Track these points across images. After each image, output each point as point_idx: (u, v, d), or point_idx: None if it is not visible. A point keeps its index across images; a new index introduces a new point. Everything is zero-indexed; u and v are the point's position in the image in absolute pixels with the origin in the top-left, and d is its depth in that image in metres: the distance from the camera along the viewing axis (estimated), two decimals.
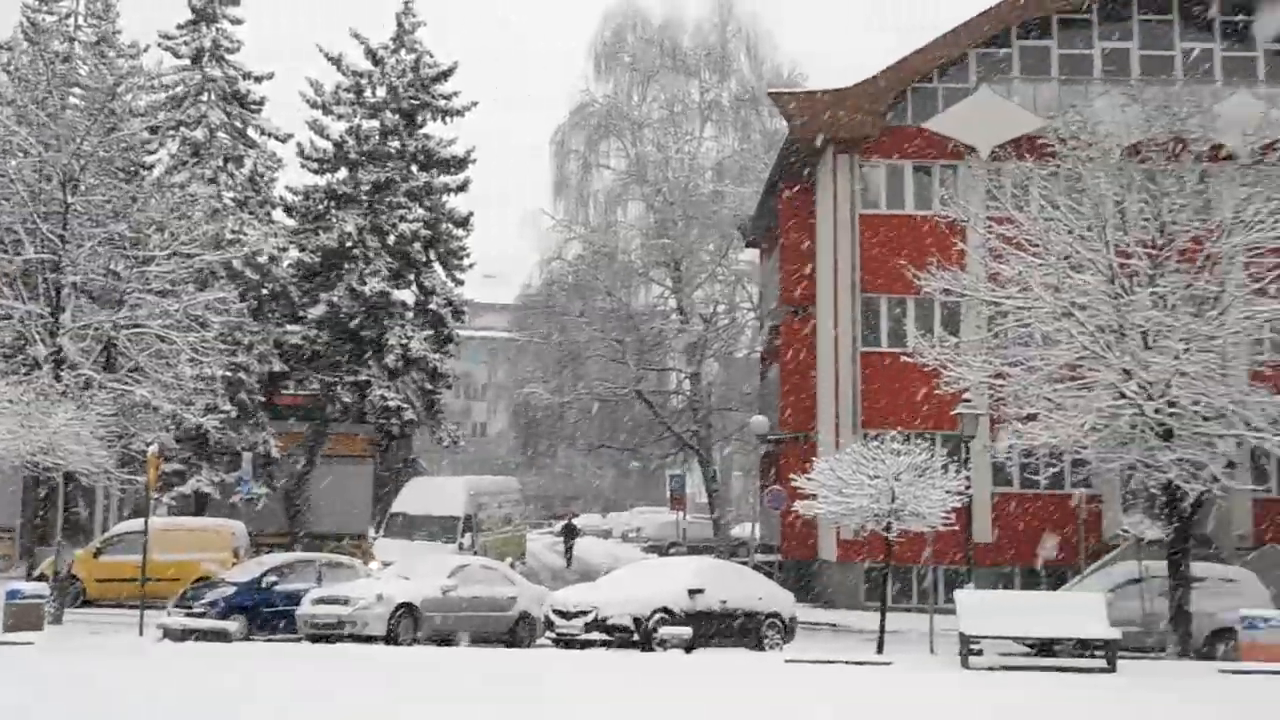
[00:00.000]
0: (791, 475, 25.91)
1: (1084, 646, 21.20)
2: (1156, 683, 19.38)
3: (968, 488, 25.08)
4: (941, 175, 35.46)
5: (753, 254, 47.56)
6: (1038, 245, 24.99)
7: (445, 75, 42.86)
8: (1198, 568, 24.15)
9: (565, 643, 23.47)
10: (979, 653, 21.31)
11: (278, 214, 42.65)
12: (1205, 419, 23.43)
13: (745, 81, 47.54)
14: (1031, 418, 24.57)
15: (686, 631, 22.60)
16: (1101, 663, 20.37)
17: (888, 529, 22.81)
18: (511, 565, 31.76)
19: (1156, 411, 23.00)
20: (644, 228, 46.52)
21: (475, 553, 32.76)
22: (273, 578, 25.08)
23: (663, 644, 22.52)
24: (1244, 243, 24.42)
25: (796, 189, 37.72)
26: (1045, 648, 22.09)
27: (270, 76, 42.21)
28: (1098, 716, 16.06)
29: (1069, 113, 28.02)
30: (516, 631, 25.10)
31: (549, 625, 23.99)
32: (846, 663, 20.94)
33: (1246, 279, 24.87)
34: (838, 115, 35.38)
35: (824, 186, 36.15)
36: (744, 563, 32.01)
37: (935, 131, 35.22)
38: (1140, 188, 24.53)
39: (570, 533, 45.84)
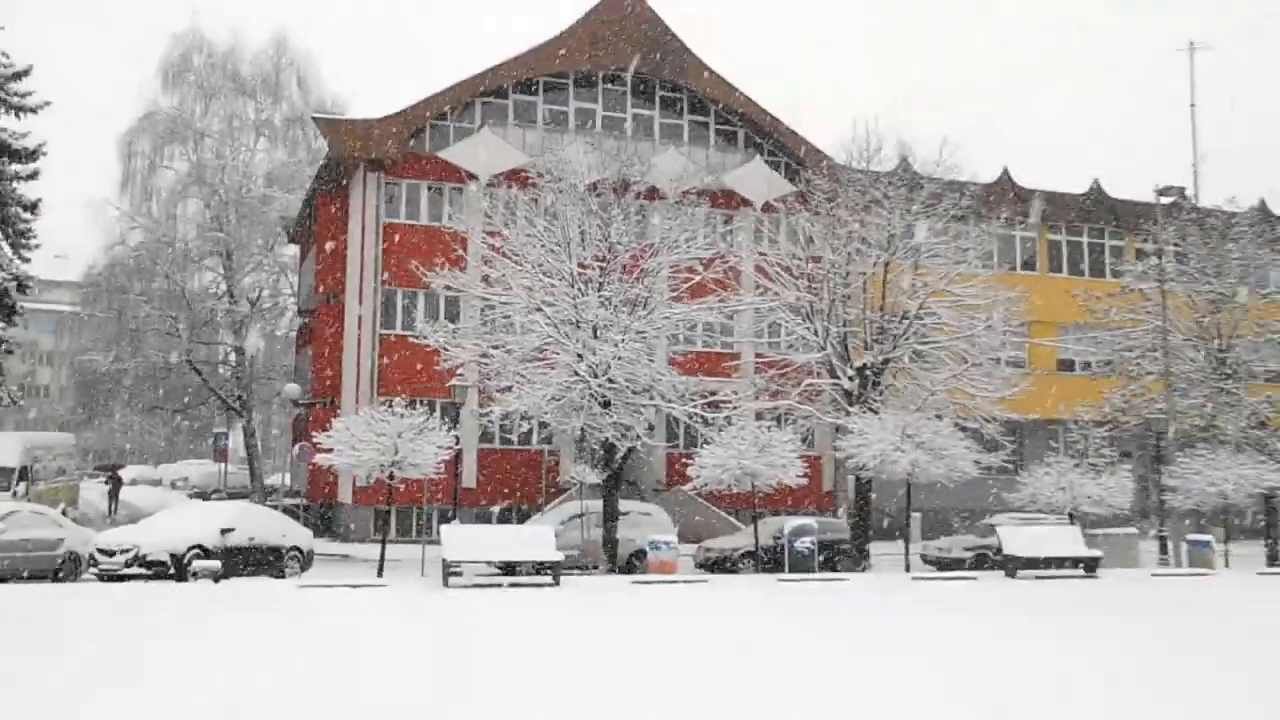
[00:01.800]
0: (316, 433, 25.23)
1: (539, 567, 22.01)
2: (587, 591, 20.51)
3: (457, 443, 25.45)
4: (450, 195, 35.77)
5: (295, 249, 46.17)
6: (519, 255, 25.77)
7: (20, 75, 38.34)
8: (624, 504, 25.70)
9: (108, 577, 21.70)
10: (459, 574, 21.68)
11: None
12: (634, 393, 25.04)
13: (295, 105, 45.75)
14: (508, 389, 25.33)
15: (216, 564, 21.48)
16: (549, 579, 21.20)
17: (391, 476, 22.76)
18: (63, 511, 28.92)
19: (600, 386, 24.31)
20: (201, 222, 43.91)
21: (28, 500, 29.57)
22: None
23: (195, 575, 21.30)
24: (668, 261, 26.31)
25: (333, 198, 36.84)
26: (510, 569, 22.77)
27: None
28: (539, 615, 16.74)
29: (548, 154, 29.03)
30: (63, 569, 22.90)
31: (93, 562, 22.10)
32: (349, 585, 20.64)
33: (668, 288, 26.82)
34: (369, 140, 34.86)
35: (355, 198, 35.48)
36: (274, 506, 30.81)
37: (447, 160, 35.48)
38: (596, 215, 25.82)
39: (116, 482, 42.31)
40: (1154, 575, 25.86)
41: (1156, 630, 16.23)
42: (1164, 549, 29.22)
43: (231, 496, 38.57)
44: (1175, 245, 32.87)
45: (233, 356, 43.43)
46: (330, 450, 23.17)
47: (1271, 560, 29.52)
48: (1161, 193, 31.24)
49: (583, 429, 25.40)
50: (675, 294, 26.90)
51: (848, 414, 26.94)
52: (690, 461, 25.48)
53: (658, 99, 38.41)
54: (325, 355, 36.04)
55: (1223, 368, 31.45)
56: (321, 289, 36.87)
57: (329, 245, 36.37)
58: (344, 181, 36.07)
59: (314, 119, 39.63)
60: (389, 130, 35.06)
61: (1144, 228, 36.38)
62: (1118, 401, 33.13)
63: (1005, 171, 41.07)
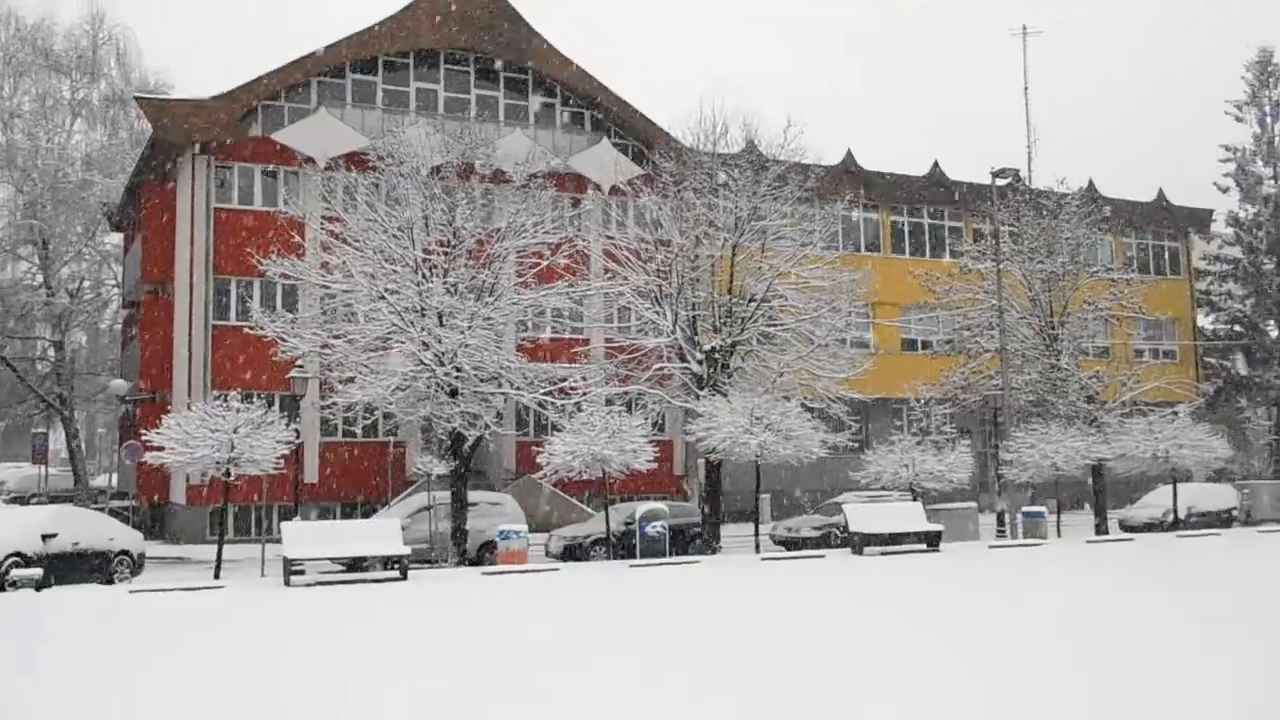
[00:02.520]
0: (145, 431, 24.36)
1: (386, 562, 21.78)
2: (434, 584, 20.38)
3: (298, 437, 24.92)
4: (285, 179, 34.91)
5: (119, 237, 44.27)
6: (360, 241, 25.31)
7: None
8: (473, 495, 25.56)
9: None
10: (301, 572, 21.30)
11: None
12: (482, 381, 24.93)
13: (115, 84, 43.99)
14: (350, 380, 24.92)
15: (37, 572, 20.53)
16: (397, 573, 21.00)
17: (227, 474, 22.15)
18: None
19: (446, 375, 24.14)
20: (13, 208, 41.77)
21: None
22: None
23: (14, 585, 20.33)
24: (515, 246, 26.21)
25: (159, 183, 35.56)
26: (356, 565, 22.47)
27: None
28: (381, 611, 16.58)
29: (389, 136, 28.54)
30: None
31: None
32: (184, 589, 20.03)
33: (515, 274, 26.77)
34: (197, 122, 33.73)
35: (184, 182, 34.30)
36: (100, 508, 29.60)
37: (281, 142, 34.59)
38: (440, 199, 25.52)
39: None
40: (991, 547, 27.14)
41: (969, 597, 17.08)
42: (1001, 521, 30.66)
43: (54, 500, 36.86)
44: (1010, 226, 34.41)
45: (51, 352, 41.55)
46: (161, 448, 22.34)
47: (1100, 529, 31.26)
48: (997, 174, 32.62)
49: (429, 419, 25.19)
50: (523, 279, 26.87)
51: (697, 397, 27.41)
52: (540, 449, 25.52)
53: (502, 80, 38.23)
54: (154, 349, 34.80)
55: (1055, 344, 33.10)
56: (148, 279, 35.55)
57: (159, 232, 35.10)
58: (171, 165, 34.84)
59: (136, 99, 38.21)
60: (219, 111, 34.00)
61: (981, 209, 37.96)
62: (957, 379, 34.59)
63: (849, 154, 42.29)
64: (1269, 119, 50.61)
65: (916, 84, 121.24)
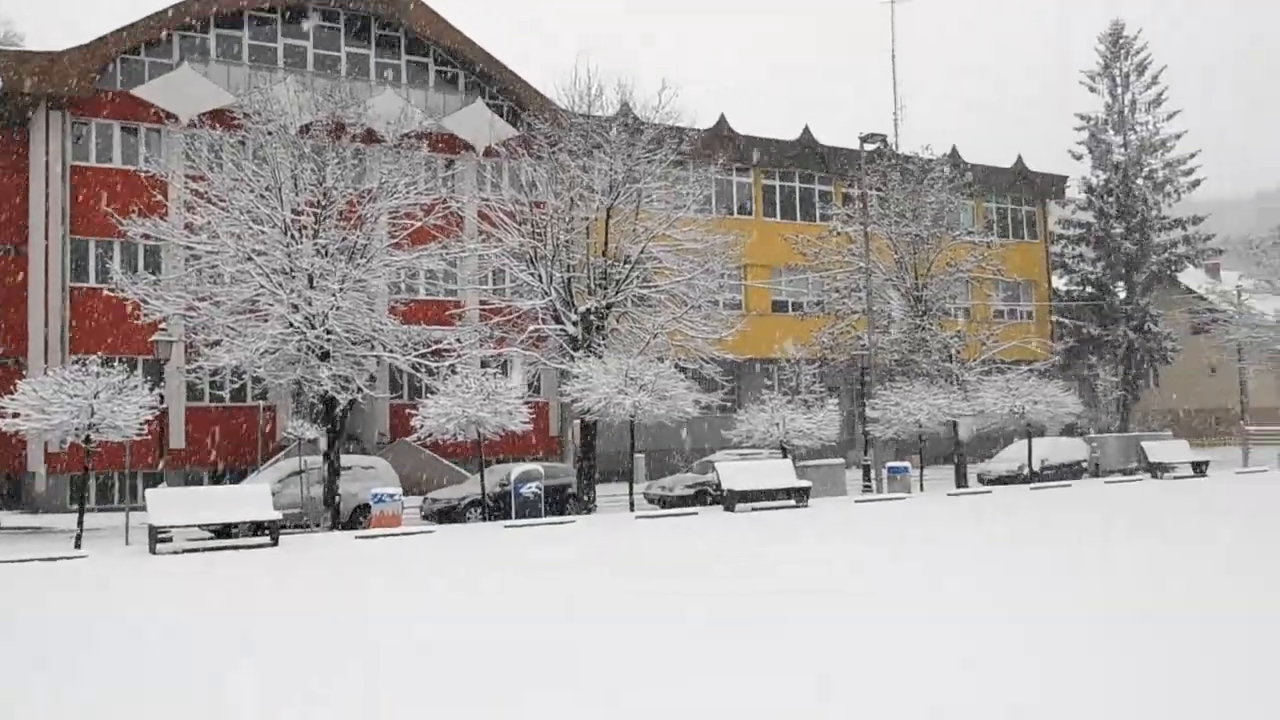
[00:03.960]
0: None
1: (256, 527, 21.35)
2: (306, 549, 20.06)
3: (162, 402, 24.19)
4: (147, 136, 33.60)
5: None
6: (225, 201, 24.54)
7: None
8: (346, 459, 25.20)
9: None
10: (168, 540, 20.75)
11: None
12: (354, 344, 24.51)
13: None
14: (217, 343, 24.23)
15: None
16: (267, 539, 20.61)
17: (87, 440, 21.35)
18: None
19: (317, 338, 23.65)
20: None
21: None
22: None
23: None
24: (387, 207, 25.73)
25: (10, 138, 33.79)
26: (225, 531, 21.99)
27: None
28: (248, 577, 16.26)
29: (255, 93, 27.62)
30: None
31: None
32: (43, 560, 19.30)
33: (388, 235, 26.30)
34: (51, 75, 32.12)
35: (37, 139, 32.74)
36: None
37: (142, 97, 33.24)
38: (309, 159, 24.89)
39: None
40: (857, 501, 27.90)
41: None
42: (867, 476, 31.51)
43: None
44: (878, 190, 35.15)
45: None
46: (16, 415, 21.44)
47: (959, 482, 32.38)
48: (865, 140, 33.20)
49: (300, 382, 24.68)
50: (395, 241, 26.40)
51: (572, 359, 27.42)
52: (415, 412, 25.24)
53: (374, 38, 37.37)
54: (8, 312, 33.24)
55: (919, 305, 34.02)
56: (1, 239, 33.89)
57: (11, 191, 33.46)
58: (22, 120, 33.20)
59: None
60: (74, 64, 32.48)
61: (849, 173, 38.64)
62: (826, 340, 35.37)
63: (722, 118, 42.56)
64: (1120, 89, 52.69)
65: (789, 51, 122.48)
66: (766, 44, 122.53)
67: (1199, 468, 33.92)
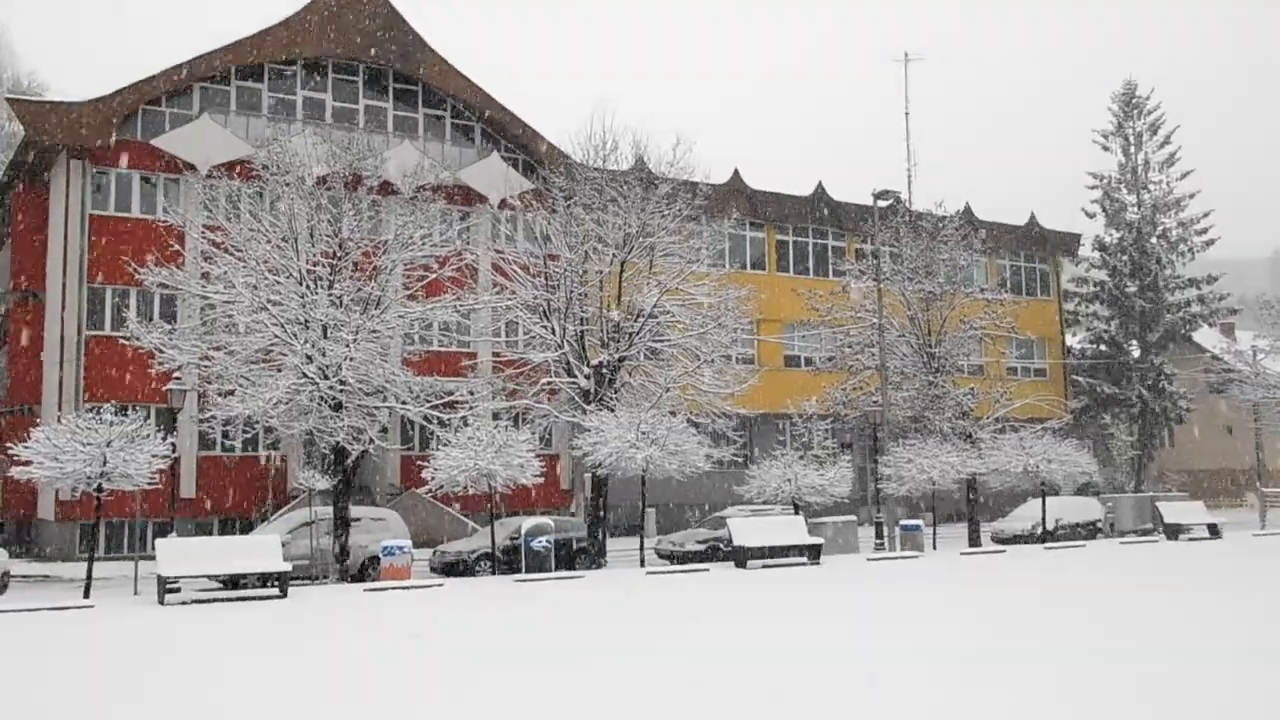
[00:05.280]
0: (12, 444, 23.36)
1: (265, 579, 21.27)
2: (315, 601, 19.94)
3: (174, 451, 24.21)
4: (165, 186, 33.98)
5: None
6: (242, 251, 24.74)
7: None
8: (356, 510, 25.16)
9: None
10: (176, 590, 20.69)
11: None
12: (367, 394, 24.56)
13: None
14: (230, 393, 24.30)
15: None
16: (276, 590, 20.51)
17: (98, 489, 21.35)
18: None
19: (330, 389, 23.70)
20: None
21: None
22: None
23: None
24: (402, 258, 25.91)
25: (31, 187, 34.24)
26: (234, 583, 21.90)
27: None
28: (257, 629, 16.18)
29: (274, 145, 27.94)
30: None
31: None
32: (50, 609, 19.24)
33: (402, 287, 26.45)
34: (73, 125, 32.59)
35: (57, 187, 33.14)
36: None
37: (162, 148, 33.65)
38: (326, 210, 25.11)
39: None
40: (869, 559, 27.67)
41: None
42: (880, 534, 31.29)
43: None
44: (890, 246, 35.25)
45: None
46: (29, 462, 21.47)
47: (972, 541, 32.13)
48: (878, 196, 33.36)
49: (312, 433, 24.70)
50: (410, 292, 26.57)
51: (584, 412, 27.40)
52: (426, 464, 25.21)
53: (391, 91, 37.84)
54: (23, 359, 33.43)
55: (932, 362, 33.97)
56: (18, 287, 34.20)
57: (30, 238, 33.81)
58: (44, 169, 33.62)
59: (8, 99, 36.85)
60: (97, 115, 32.95)
61: (863, 229, 38.79)
62: (839, 395, 35.26)
63: (736, 173, 42.86)
64: (1132, 148, 52.92)
65: (805, 108, 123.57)
66: (783, 102, 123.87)
67: (1213, 530, 33.61)
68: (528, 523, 25.23)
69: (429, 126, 38.37)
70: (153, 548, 22.40)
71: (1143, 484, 49.19)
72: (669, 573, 25.04)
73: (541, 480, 26.20)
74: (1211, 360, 55.72)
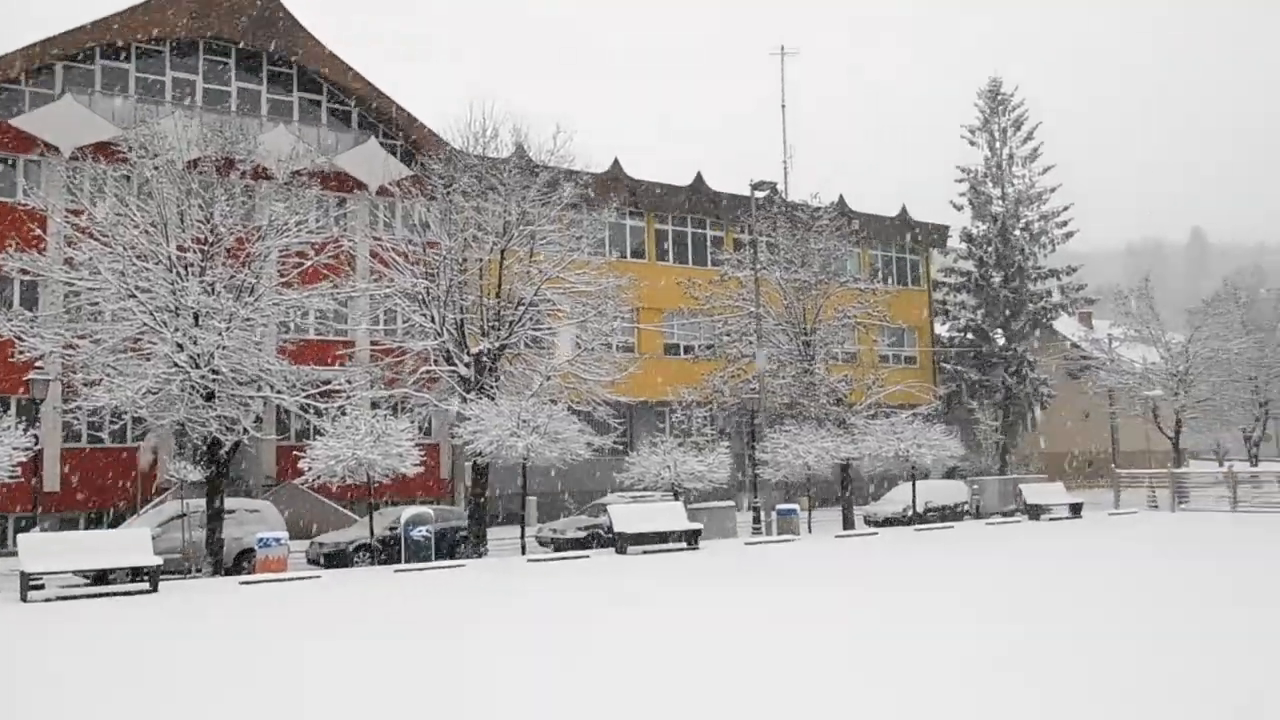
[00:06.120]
0: None
1: (134, 573, 20.65)
2: (186, 595, 19.47)
3: (37, 443, 23.33)
4: (25, 168, 32.57)
5: None
6: (109, 236, 23.90)
7: None
8: (230, 502, 24.59)
9: None
10: (40, 587, 19.99)
11: None
12: (241, 384, 24.01)
13: None
14: (96, 383, 23.50)
15: None
16: (147, 585, 19.96)
17: None
18: None
19: (202, 378, 23.11)
20: None
21: None
22: None
23: None
24: (277, 245, 25.32)
25: None
26: (102, 578, 21.21)
27: None
28: (122, 625, 15.75)
29: (142, 127, 27.02)
30: None
31: None
32: None
33: (277, 274, 25.87)
34: None
35: None
36: None
37: (20, 128, 32.22)
38: (197, 195, 24.39)
39: None
40: (747, 543, 28.18)
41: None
42: (757, 519, 31.87)
43: None
44: (767, 236, 35.82)
45: None
46: None
47: (846, 524, 32.95)
48: (755, 187, 33.86)
49: (184, 424, 24.04)
50: (285, 279, 25.99)
51: (465, 401, 27.26)
52: (302, 454, 24.79)
53: (266, 74, 36.89)
54: None
55: (807, 350, 34.67)
56: None
57: None
58: None
59: None
60: None
61: (741, 219, 39.34)
62: (717, 383, 35.75)
63: (616, 162, 42.99)
64: (998, 143, 54.63)
65: (682, 98, 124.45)
66: (662, 90, 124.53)
67: (1075, 509, 35.09)
68: (407, 512, 25.01)
69: (305, 111, 37.55)
70: (15, 544, 21.59)
71: (1007, 467, 51.01)
72: (550, 560, 25.12)
73: (422, 469, 25.99)
74: (1071, 348, 58.17)
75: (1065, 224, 54.42)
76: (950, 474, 41.44)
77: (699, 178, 45.83)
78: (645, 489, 29.53)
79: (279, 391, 24.68)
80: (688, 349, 43.40)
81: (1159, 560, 22.36)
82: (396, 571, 22.74)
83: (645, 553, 25.58)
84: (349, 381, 27.08)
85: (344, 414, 25.45)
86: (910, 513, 34.12)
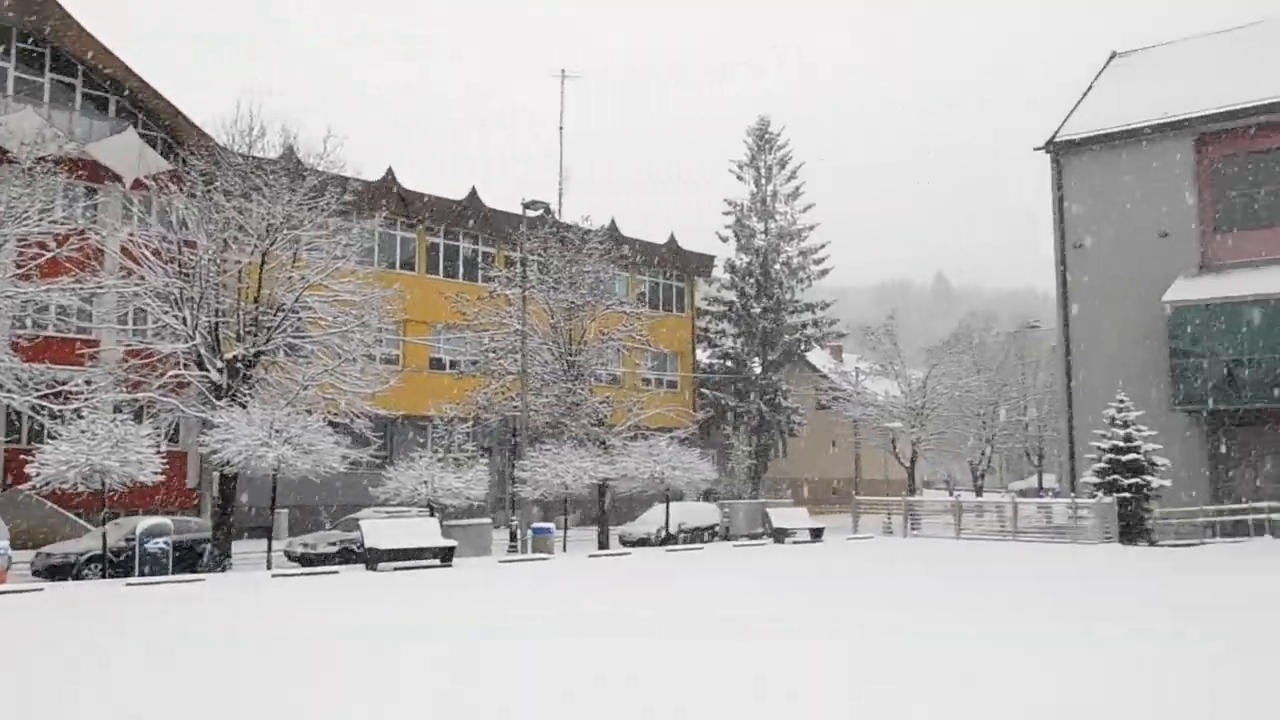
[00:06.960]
0: None
1: None
2: None
3: None
4: None
5: None
6: None
7: None
8: None
9: None
10: None
11: None
12: None
13: None
14: None
15: None
16: None
17: None
18: None
19: None
20: None
21: None
22: None
23: None
24: (15, 233, 23.74)
25: None
26: None
27: None
28: None
29: None
30: None
31: None
32: None
33: (14, 264, 24.20)
34: None
35: None
36: None
37: None
38: None
39: None
40: (501, 561, 28.19)
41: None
42: (513, 537, 31.94)
43: None
44: (538, 256, 36.07)
45: None
46: None
47: (602, 544, 33.46)
48: (528, 206, 34.07)
49: None
50: (22, 271, 24.33)
51: (215, 407, 26.17)
52: (32, 458, 23.18)
53: (14, 51, 34.37)
54: None
55: (571, 369, 35.08)
56: None
57: None
58: None
59: None
60: None
61: (512, 237, 39.46)
62: (481, 399, 35.67)
63: (389, 171, 42.33)
64: (763, 180, 56.93)
65: (466, 117, 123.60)
66: (444, 108, 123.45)
67: (816, 534, 36.81)
68: (144, 523, 23.77)
69: (56, 93, 35.18)
70: None
71: (758, 491, 53.00)
72: (296, 575, 24.38)
73: (163, 478, 24.78)
74: (821, 379, 61.06)
75: (821, 260, 57.14)
76: (705, 497, 42.73)
77: (473, 192, 45.67)
78: (402, 504, 29.12)
79: (9, 390, 23.06)
80: (454, 364, 43.10)
81: (857, 579, 23.73)
82: (128, 585, 21.56)
83: (397, 569, 25.20)
84: (89, 382, 25.56)
85: (81, 417, 23.98)
86: (664, 533, 34.94)
